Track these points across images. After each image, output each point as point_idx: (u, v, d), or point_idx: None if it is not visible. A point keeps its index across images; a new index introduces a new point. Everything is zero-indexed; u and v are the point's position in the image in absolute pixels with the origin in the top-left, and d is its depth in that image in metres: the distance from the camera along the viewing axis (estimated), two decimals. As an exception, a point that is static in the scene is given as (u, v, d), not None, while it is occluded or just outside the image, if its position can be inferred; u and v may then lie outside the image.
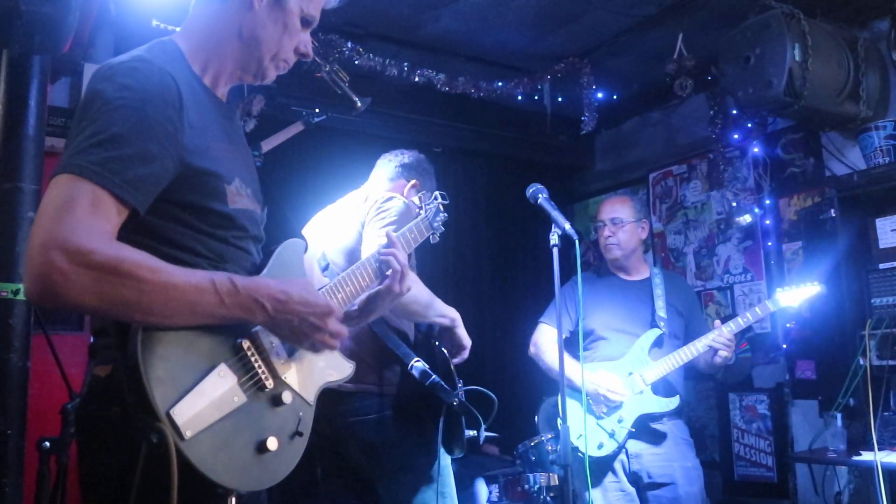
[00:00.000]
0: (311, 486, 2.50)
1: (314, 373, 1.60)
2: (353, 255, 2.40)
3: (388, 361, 2.41)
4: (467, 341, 2.55)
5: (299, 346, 1.52)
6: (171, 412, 1.27)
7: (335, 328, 1.51)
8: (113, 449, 1.34)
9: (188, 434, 1.28)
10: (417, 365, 2.36)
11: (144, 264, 1.28)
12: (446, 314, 2.50)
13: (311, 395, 1.58)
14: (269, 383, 1.46)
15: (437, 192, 2.33)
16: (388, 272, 1.94)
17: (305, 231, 2.69)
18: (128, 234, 1.33)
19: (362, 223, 2.42)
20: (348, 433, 2.39)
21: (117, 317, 1.30)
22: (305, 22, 1.65)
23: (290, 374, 1.52)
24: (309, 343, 1.50)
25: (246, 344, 1.44)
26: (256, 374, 1.44)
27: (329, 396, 2.34)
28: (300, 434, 1.51)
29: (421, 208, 2.24)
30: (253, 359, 1.44)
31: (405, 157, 2.85)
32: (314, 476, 2.49)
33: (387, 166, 2.84)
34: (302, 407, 1.54)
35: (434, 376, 2.35)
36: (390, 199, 2.47)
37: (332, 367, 1.68)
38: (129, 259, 1.26)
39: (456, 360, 2.54)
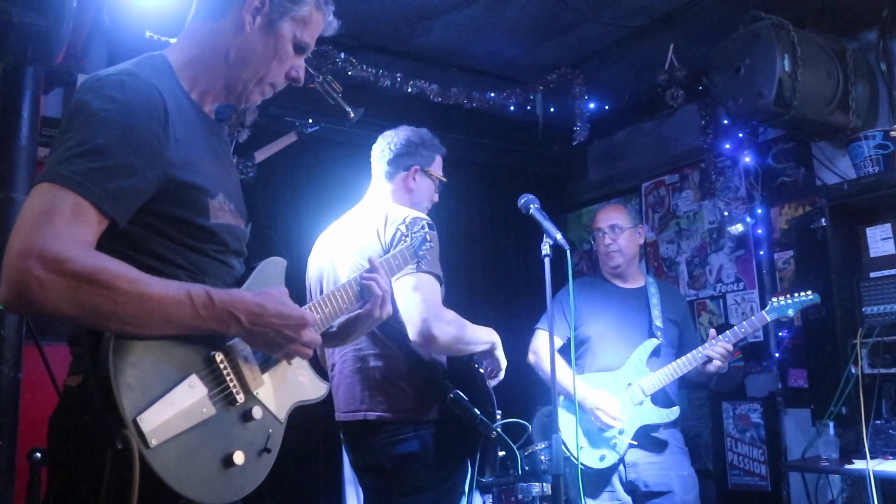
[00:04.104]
0: None
1: (287, 391, 1.59)
2: None
3: (428, 390, 2.36)
4: (504, 362, 2.51)
5: (274, 356, 1.53)
6: (137, 419, 1.27)
7: (309, 337, 1.52)
8: (83, 458, 1.33)
9: (154, 442, 1.28)
10: (457, 398, 2.29)
11: (122, 275, 1.28)
12: (486, 340, 2.46)
13: (282, 413, 1.57)
14: (240, 398, 1.45)
15: (424, 222, 2.28)
16: (370, 297, 1.92)
17: (319, 251, 2.63)
18: (108, 243, 1.33)
19: (386, 251, 2.32)
20: (382, 453, 2.36)
21: (92, 326, 1.30)
22: (299, 48, 1.65)
23: (263, 391, 1.52)
24: (283, 353, 1.52)
25: (219, 357, 1.43)
26: (227, 387, 1.44)
27: (367, 427, 2.36)
28: (268, 451, 1.50)
29: (407, 236, 2.20)
30: (225, 372, 1.44)
31: (392, 143, 2.67)
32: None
33: (379, 165, 2.68)
34: (272, 424, 1.53)
35: (475, 410, 2.29)
36: (413, 221, 2.35)
37: (306, 386, 1.67)
38: (106, 269, 1.27)
39: (492, 383, 2.51)
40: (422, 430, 2.34)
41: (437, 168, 2.73)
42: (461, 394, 2.30)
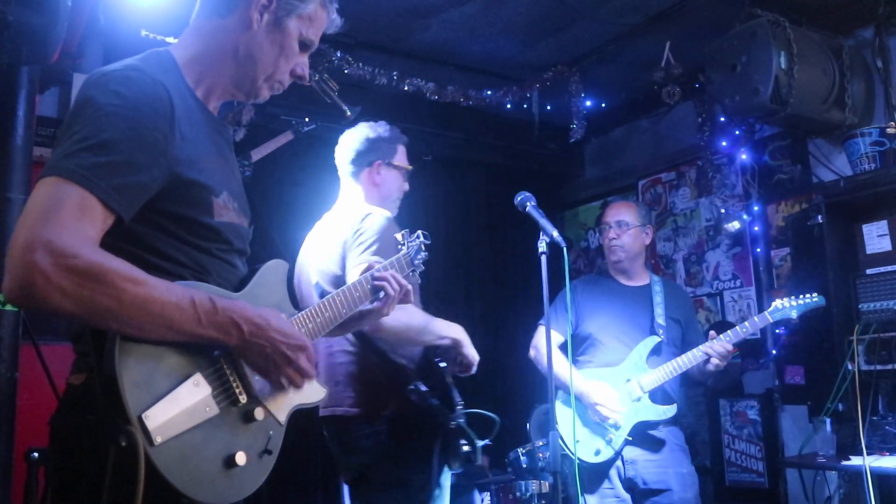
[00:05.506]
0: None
1: (288, 393, 1.58)
2: (339, 284, 2.29)
3: (389, 386, 2.37)
4: (473, 359, 2.50)
5: (267, 378, 1.49)
6: (143, 416, 1.26)
7: (305, 365, 1.50)
8: (85, 456, 1.32)
9: (158, 440, 1.27)
10: (416, 390, 2.31)
11: (127, 275, 1.27)
12: (447, 335, 2.44)
13: (282, 415, 1.57)
14: (243, 398, 1.45)
15: (419, 231, 2.28)
16: (381, 295, 1.96)
17: (303, 253, 2.66)
18: (112, 240, 1.32)
19: (344, 249, 2.38)
20: (353, 447, 2.39)
21: (94, 324, 1.29)
22: (304, 45, 1.66)
23: (264, 392, 1.51)
24: (277, 375, 1.48)
25: (223, 356, 1.43)
26: (230, 387, 1.43)
27: (336, 422, 2.39)
28: (269, 452, 1.50)
29: (403, 245, 2.20)
30: (228, 372, 1.43)
31: (352, 142, 2.71)
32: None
33: (343, 167, 2.73)
34: (273, 426, 1.53)
35: (432, 400, 2.31)
36: (366, 217, 2.42)
37: (306, 390, 1.65)
38: (112, 268, 1.26)
39: (462, 375, 2.51)
40: (380, 425, 2.36)
41: (400, 158, 2.74)
42: (421, 385, 2.31)
